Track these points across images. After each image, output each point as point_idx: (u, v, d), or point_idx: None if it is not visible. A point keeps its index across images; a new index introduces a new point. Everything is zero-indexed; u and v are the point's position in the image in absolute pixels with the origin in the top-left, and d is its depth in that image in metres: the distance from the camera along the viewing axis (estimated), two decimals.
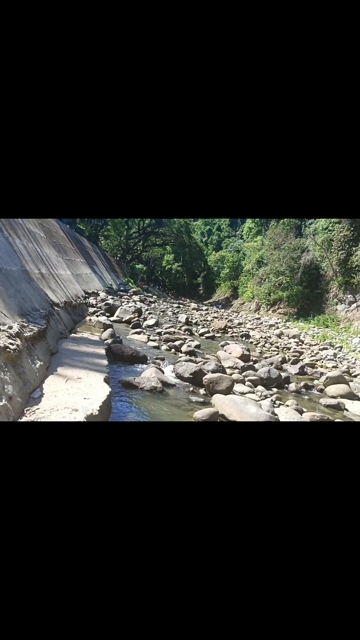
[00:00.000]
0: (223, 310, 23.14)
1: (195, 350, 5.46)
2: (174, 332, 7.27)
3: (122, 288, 18.02)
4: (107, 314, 7.82)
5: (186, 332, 7.59)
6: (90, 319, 6.86)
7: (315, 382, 5.37)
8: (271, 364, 5.70)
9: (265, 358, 6.33)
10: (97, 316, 7.48)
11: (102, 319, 6.18)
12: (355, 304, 19.09)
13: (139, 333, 6.04)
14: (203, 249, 38.56)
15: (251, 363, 5.25)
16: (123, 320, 7.47)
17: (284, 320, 19.77)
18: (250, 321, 14.30)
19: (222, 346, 6.78)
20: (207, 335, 7.58)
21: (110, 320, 7.15)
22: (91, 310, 7.85)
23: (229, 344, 6.83)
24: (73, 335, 4.75)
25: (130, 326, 6.98)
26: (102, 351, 4.17)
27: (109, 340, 4.91)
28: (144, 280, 32.92)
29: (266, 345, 8.33)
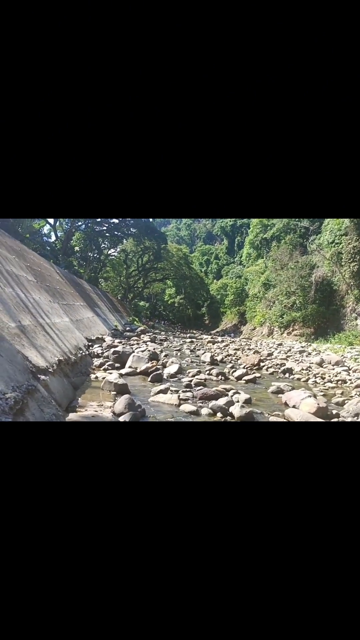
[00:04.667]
0: (238, 338, 21.35)
1: (252, 410, 3.68)
2: (205, 379, 5.50)
3: (128, 328, 16.41)
4: (117, 365, 6.09)
5: (219, 377, 5.82)
6: (96, 377, 5.12)
7: None
8: (357, 414, 3.89)
9: (340, 404, 4.52)
10: (104, 370, 5.75)
11: (113, 377, 4.43)
12: None
13: (164, 391, 4.28)
14: (204, 279, 37.35)
15: (337, 420, 3.45)
16: (138, 371, 5.72)
17: (304, 342, 17.97)
18: (275, 348, 12.48)
19: (275, 393, 4.97)
20: (245, 377, 5.80)
21: (122, 375, 5.40)
22: (97, 362, 6.13)
23: (282, 390, 5.03)
24: (72, 415, 3.02)
25: (149, 379, 5.22)
26: None
27: (127, 416, 3.16)
28: (148, 317, 31.45)
29: (317, 379, 6.52)
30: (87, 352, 6.42)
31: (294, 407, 4.13)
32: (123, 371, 5.66)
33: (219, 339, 16.45)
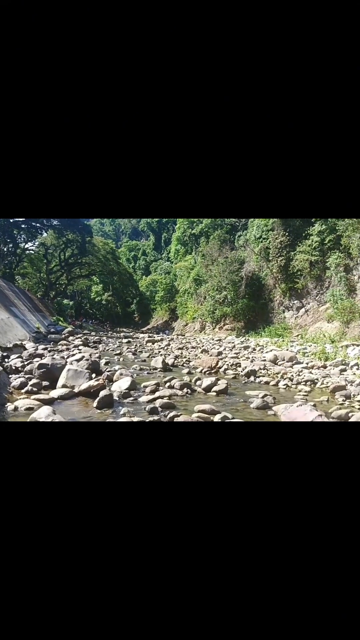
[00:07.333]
0: (173, 335, 20.28)
1: None
2: (170, 395, 4.14)
3: (52, 329, 14.12)
4: (44, 384, 4.37)
5: (184, 389, 4.51)
6: (15, 407, 3.40)
7: None
8: None
9: (343, 418, 3.57)
10: (28, 394, 4.01)
11: (44, 412, 2.81)
12: (303, 309, 17.81)
13: None
14: (133, 275, 35.55)
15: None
16: (77, 391, 4.11)
17: (235, 336, 17.73)
18: (219, 345, 11.62)
19: (261, 409, 3.84)
20: (215, 388, 4.60)
21: (54, 401, 3.75)
22: (16, 381, 4.33)
23: (267, 404, 3.93)
24: None
25: (95, 403, 3.67)
26: None
27: None
28: (73, 317, 28.63)
29: (285, 380, 5.65)
30: (1, 368, 4.55)
31: None
32: (55, 393, 4.00)
33: (158, 337, 15.16)
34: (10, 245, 24.72)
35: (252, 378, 5.86)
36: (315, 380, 5.78)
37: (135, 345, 10.99)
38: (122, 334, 17.22)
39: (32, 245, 28.15)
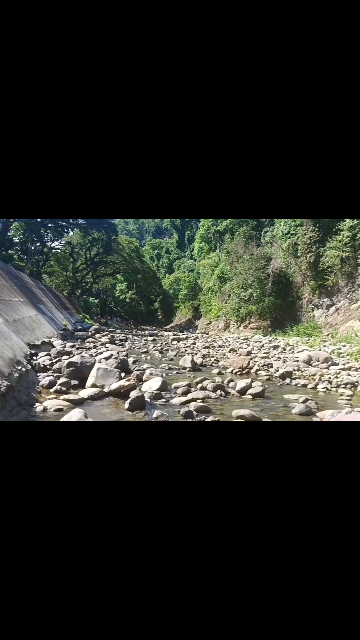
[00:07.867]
0: (196, 334, 20.02)
1: None
2: (204, 398, 3.89)
3: (79, 327, 14.20)
4: (73, 383, 4.24)
5: (218, 391, 4.25)
6: (45, 408, 3.26)
7: None
8: None
9: None
10: (57, 393, 3.87)
11: (75, 415, 2.63)
12: (333, 307, 17.05)
13: None
14: (157, 273, 35.52)
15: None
16: (107, 391, 3.94)
17: (261, 335, 17.23)
18: (247, 344, 11.26)
19: (304, 415, 3.52)
20: (251, 391, 4.30)
21: (84, 401, 3.59)
22: (44, 380, 4.22)
23: (311, 409, 3.60)
24: None
25: (127, 405, 3.47)
26: None
27: None
28: (98, 314, 28.92)
29: (324, 382, 5.27)
30: (29, 366, 4.46)
31: None
32: (85, 393, 3.84)
33: (183, 335, 14.93)
34: (38, 244, 25.24)
35: (287, 380, 5.51)
36: (356, 383, 5.37)
37: (161, 343, 10.80)
38: (146, 332, 17.11)
39: (58, 244, 28.67)
